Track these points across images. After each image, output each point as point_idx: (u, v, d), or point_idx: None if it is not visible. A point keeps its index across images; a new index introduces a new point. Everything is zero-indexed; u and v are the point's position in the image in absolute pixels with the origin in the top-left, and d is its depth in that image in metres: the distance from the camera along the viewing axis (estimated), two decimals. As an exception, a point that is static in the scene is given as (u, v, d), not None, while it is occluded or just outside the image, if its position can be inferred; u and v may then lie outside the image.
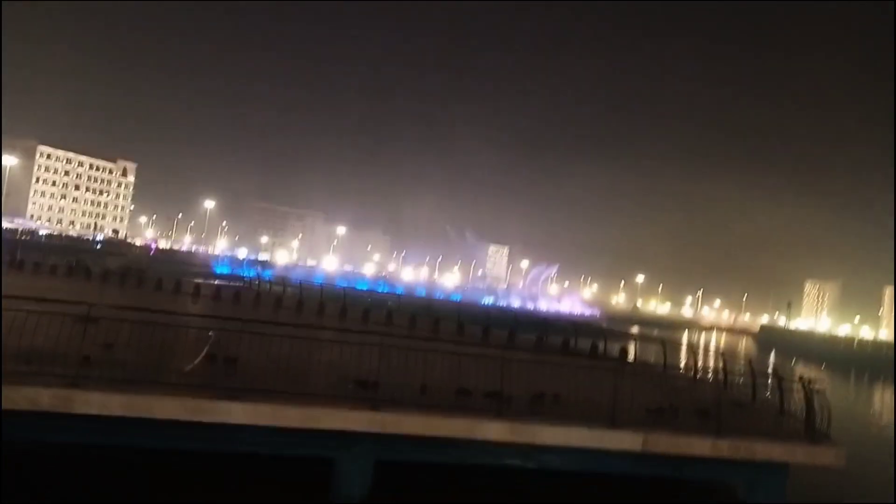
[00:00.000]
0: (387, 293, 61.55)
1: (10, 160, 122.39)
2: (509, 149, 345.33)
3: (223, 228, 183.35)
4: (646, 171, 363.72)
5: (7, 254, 41.63)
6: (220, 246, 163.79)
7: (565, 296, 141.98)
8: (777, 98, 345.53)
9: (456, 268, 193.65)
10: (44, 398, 9.88)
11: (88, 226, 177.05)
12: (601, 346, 26.85)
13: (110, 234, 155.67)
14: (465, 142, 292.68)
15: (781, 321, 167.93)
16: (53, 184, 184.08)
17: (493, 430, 11.71)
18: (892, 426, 33.10)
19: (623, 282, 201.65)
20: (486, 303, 78.97)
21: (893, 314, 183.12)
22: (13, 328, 11.37)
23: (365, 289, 66.53)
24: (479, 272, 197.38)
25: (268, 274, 62.28)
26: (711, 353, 25.60)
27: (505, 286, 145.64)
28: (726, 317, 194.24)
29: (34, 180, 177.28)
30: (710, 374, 19.98)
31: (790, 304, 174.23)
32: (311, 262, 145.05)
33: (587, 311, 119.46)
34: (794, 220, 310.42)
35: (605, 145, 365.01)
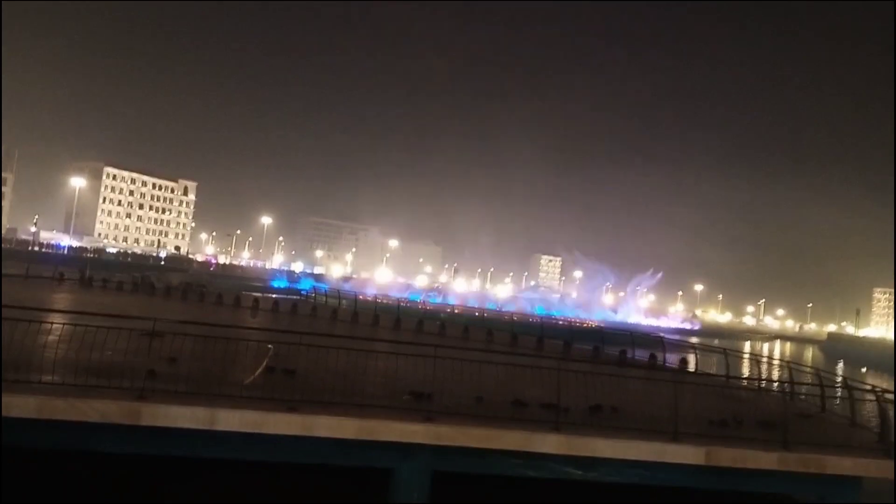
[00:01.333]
0: (439, 304, 61.72)
1: (78, 181, 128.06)
2: (560, 157, 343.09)
3: (280, 244, 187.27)
4: (704, 177, 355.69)
5: (77, 271, 43.53)
6: (276, 260, 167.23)
7: (637, 307, 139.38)
8: (841, 97, 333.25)
9: (508, 279, 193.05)
10: (113, 410, 10.24)
11: (152, 243, 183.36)
12: (660, 356, 26.30)
13: (172, 250, 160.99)
14: (514, 151, 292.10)
15: (849, 330, 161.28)
16: (119, 203, 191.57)
17: (550, 443, 11.56)
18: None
19: (681, 292, 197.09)
20: (553, 314, 77.68)
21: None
22: (84, 342, 11.87)
23: (418, 300, 66.90)
24: (532, 283, 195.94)
25: (323, 287, 63.22)
26: (776, 363, 24.74)
27: (558, 296, 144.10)
28: (790, 326, 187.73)
29: (101, 200, 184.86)
30: (775, 385, 19.30)
31: (859, 312, 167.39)
32: (364, 275, 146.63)
33: (687, 325, 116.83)
34: (860, 226, 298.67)
35: (661, 151, 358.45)
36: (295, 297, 58.47)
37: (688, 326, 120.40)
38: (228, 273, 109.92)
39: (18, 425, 9.96)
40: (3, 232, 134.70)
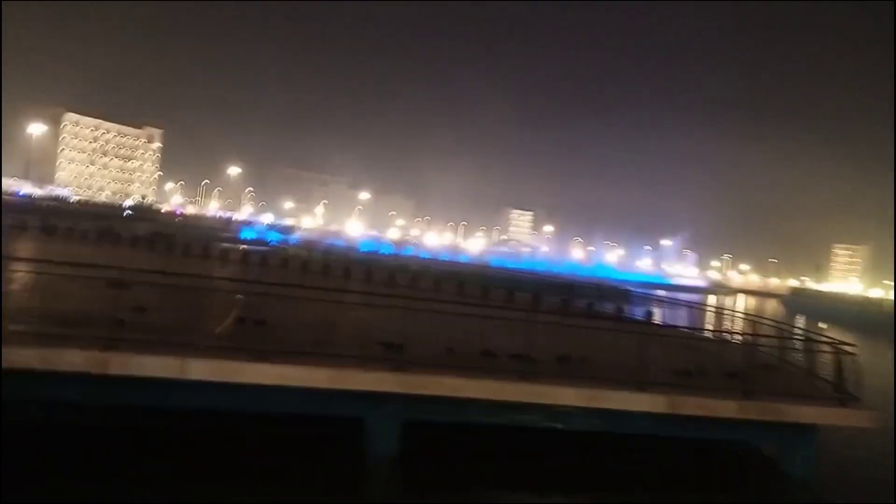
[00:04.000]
0: (411, 257, 61.76)
1: (37, 127, 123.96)
2: (532, 113, 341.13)
3: (249, 194, 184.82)
4: (669, 133, 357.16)
5: (38, 220, 42.46)
6: (245, 211, 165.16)
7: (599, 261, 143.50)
8: (803, 50, 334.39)
9: (480, 233, 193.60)
10: (80, 359, 10.14)
11: (116, 192, 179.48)
12: (626, 309, 26.81)
13: (139, 199, 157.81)
14: (485, 105, 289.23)
15: (810, 285, 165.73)
16: (81, 151, 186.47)
17: (518, 392, 11.79)
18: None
19: (648, 247, 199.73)
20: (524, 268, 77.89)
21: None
22: (48, 292, 11.68)
23: (389, 253, 66.87)
24: (503, 237, 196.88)
25: (294, 239, 62.75)
26: (739, 316, 25.38)
27: (529, 250, 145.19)
28: (754, 280, 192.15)
29: (61, 147, 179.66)
30: (737, 337, 19.82)
31: (818, 267, 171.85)
32: (335, 227, 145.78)
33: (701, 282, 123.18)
34: (822, 182, 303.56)
35: (626, 106, 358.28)
36: (264, 248, 57.99)
37: (702, 284, 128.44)
38: (196, 224, 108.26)
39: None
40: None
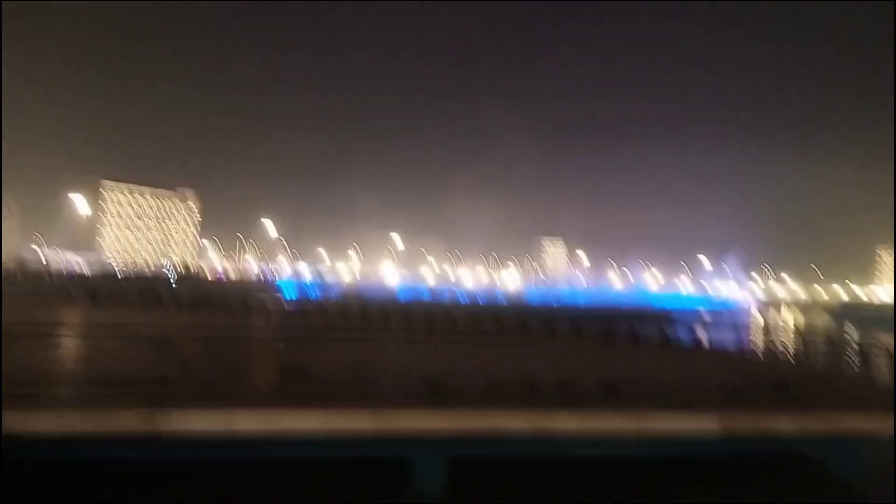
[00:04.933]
0: (449, 300, 61.49)
1: (77, 198, 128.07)
2: (555, 138, 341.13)
3: (282, 245, 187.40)
4: (696, 149, 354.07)
5: (83, 288, 43.67)
6: (282, 263, 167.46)
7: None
8: (826, 50, 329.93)
9: (511, 264, 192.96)
10: (128, 418, 10.33)
11: (156, 254, 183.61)
12: (665, 330, 26.33)
13: (177, 265, 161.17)
14: (507, 135, 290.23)
15: (856, 291, 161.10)
16: (120, 217, 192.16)
17: (564, 422, 11.64)
18: None
19: (684, 263, 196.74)
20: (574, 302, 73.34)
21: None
22: (95, 355, 11.98)
23: (427, 297, 66.73)
24: (536, 268, 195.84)
25: (331, 290, 63.26)
26: (785, 329, 24.81)
27: (566, 281, 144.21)
28: (796, 290, 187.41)
29: (104, 216, 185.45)
30: (785, 350, 19.34)
31: (862, 271, 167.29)
32: (370, 274, 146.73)
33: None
34: (859, 185, 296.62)
35: (649, 125, 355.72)
36: (304, 300, 58.55)
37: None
38: (235, 282, 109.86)
39: (37, 441, 10.08)
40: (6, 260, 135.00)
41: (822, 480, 13.19)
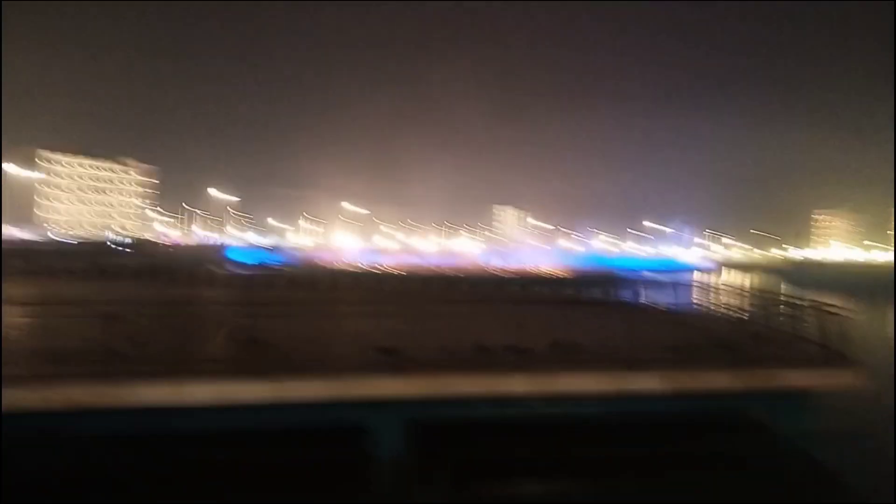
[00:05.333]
0: (401, 264, 61.80)
1: (11, 168, 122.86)
2: (506, 106, 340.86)
3: (232, 215, 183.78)
4: (639, 111, 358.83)
5: (24, 262, 42.21)
6: (232, 234, 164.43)
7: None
8: (770, 13, 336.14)
9: (462, 231, 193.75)
10: (77, 394, 10.23)
11: (99, 226, 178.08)
12: (612, 292, 27.06)
13: (121, 232, 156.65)
14: (459, 101, 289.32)
15: (791, 252, 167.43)
16: (59, 188, 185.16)
17: (515, 384, 11.99)
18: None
19: (629, 229, 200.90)
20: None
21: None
22: (43, 331, 11.76)
23: (379, 262, 66.84)
24: (487, 233, 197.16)
25: (281, 258, 62.71)
26: (724, 289, 25.68)
27: (517, 246, 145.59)
28: (735, 253, 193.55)
29: (40, 187, 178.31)
30: (724, 309, 20.13)
31: (797, 235, 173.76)
32: (321, 242, 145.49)
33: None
34: (797, 149, 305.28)
35: (594, 88, 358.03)
36: (253, 269, 57.90)
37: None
38: (182, 251, 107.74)
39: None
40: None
41: (765, 436, 13.93)
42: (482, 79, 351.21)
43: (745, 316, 18.48)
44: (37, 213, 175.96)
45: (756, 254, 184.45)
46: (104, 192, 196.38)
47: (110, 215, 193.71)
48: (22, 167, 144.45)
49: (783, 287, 58.88)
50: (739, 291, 21.09)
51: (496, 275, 35.41)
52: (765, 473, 12.86)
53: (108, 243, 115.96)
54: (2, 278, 26.36)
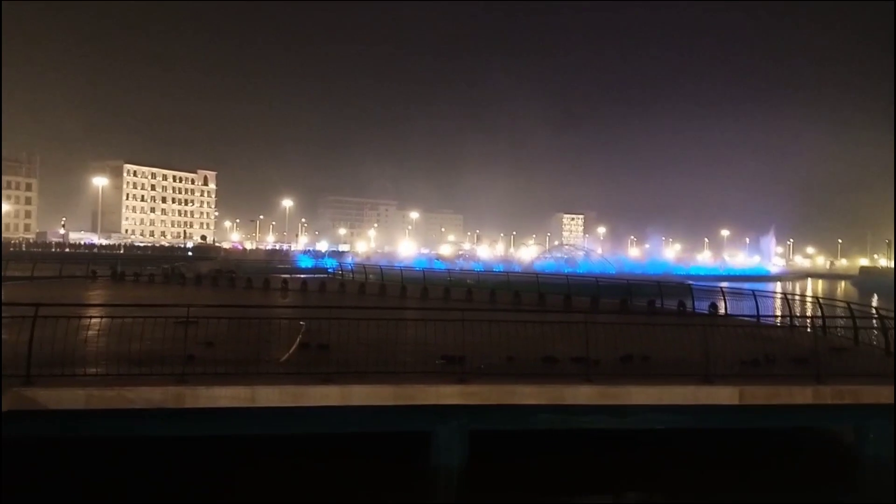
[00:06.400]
0: (465, 271, 61.86)
1: (101, 181, 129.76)
2: (572, 114, 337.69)
3: (303, 225, 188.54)
4: (719, 119, 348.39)
5: (109, 268, 44.42)
6: (301, 242, 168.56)
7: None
8: (854, 27, 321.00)
9: (531, 241, 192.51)
10: (157, 395, 10.60)
11: (178, 235, 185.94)
12: (688, 303, 26.29)
13: (199, 240, 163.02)
14: (523, 111, 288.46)
15: (882, 263, 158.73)
16: (142, 199, 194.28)
17: (582, 395, 11.73)
18: None
19: (707, 240, 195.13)
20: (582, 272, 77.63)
21: None
22: (122, 334, 12.26)
23: (443, 269, 67.09)
24: (556, 242, 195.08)
25: (349, 263, 63.75)
26: (808, 301, 24.59)
27: (583, 254, 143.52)
28: (821, 263, 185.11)
29: (124, 197, 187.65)
30: (807, 322, 19.23)
31: (889, 244, 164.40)
32: (388, 249, 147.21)
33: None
34: (881, 155, 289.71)
35: (669, 98, 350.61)
36: (322, 275, 59.14)
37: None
38: (255, 257, 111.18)
39: (70, 417, 10.39)
40: (34, 236, 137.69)
41: (844, 456, 13.18)
42: (547, 85, 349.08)
43: (829, 329, 17.61)
44: (123, 222, 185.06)
45: (842, 263, 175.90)
46: (183, 203, 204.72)
47: (188, 224, 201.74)
48: (109, 179, 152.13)
49: (873, 299, 55.78)
50: (822, 303, 20.10)
51: (563, 284, 34.88)
52: (850, 494, 12.16)
53: (186, 250, 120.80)
54: (2, 279, 27.82)
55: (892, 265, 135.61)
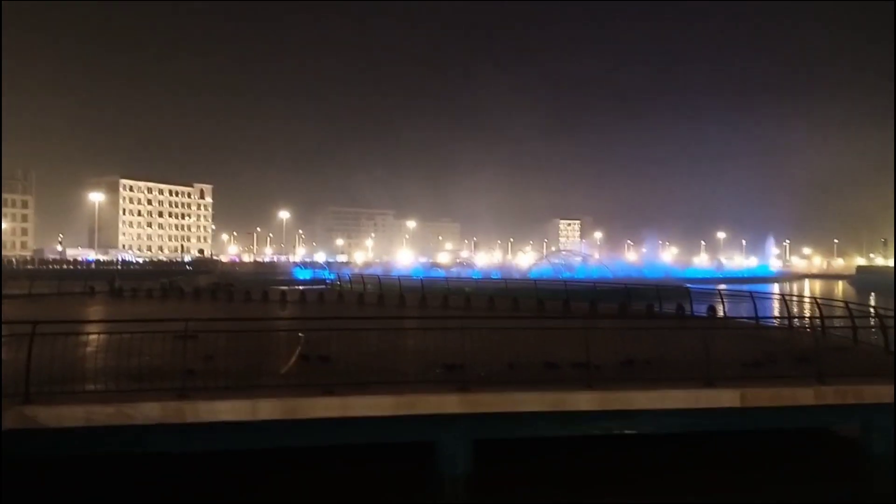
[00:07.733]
0: (463, 279, 61.83)
1: (97, 196, 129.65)
2: (565, 120, 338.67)
3: (300, 236, 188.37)
4: (712, 122, 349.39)
5: (106, 283, 44.30)
6: (299, 253, 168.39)
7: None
8: (846, 29, 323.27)
9: (528, 248, 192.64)
10: (157, 411, 10.55)
11: (175, 249, 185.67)
12: (687, 307, 26.29)
13: (196, 254, 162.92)
14: (516, 119, 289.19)
15: (879, 262, 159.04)
16: (139, 213, 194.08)
17: (584, 400, 11.70)
18: None
19: (703, 243, 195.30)
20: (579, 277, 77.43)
21: None
22: (121, 350, 12.20)
23: (441, 277, 67.06)
24: (553, 248, 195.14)
25: (347, 274, 63.69)
26: (806, 302, 24.63)
27: (580, 259, 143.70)
28: (818, 264, 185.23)
29: (121, 212, 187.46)
30: (806, 322, 19.24)
31: (885, 242, 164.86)
32: (386, 258, 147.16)
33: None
34: (876, 153, 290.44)
35: (662, 101, 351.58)
36: (320, 286, 59.10)
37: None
38: (253, 270, 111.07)
39: (71, 434, 10.33)
40: (31, 253, 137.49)
41: (848, 455, 13.15)
42: (542, 92, 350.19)
43: (829, 328, 17.63)
44: (119, 237, 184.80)
45: (839, 263, 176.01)
46: (179, 216, 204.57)
47: (185, 238, 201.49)
48: (105, 195, 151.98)
49: (871, 298, 55.82)
50: (820, 303, 20.11)
51: (563, 289, 34.87)
52: (855, 493, 12.13)
53: (184, 264, 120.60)
54: (2, 290, 27.77)
55: (890, 263, 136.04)
